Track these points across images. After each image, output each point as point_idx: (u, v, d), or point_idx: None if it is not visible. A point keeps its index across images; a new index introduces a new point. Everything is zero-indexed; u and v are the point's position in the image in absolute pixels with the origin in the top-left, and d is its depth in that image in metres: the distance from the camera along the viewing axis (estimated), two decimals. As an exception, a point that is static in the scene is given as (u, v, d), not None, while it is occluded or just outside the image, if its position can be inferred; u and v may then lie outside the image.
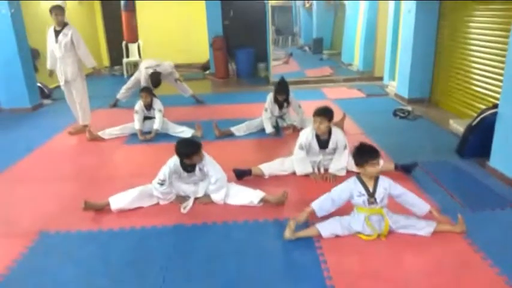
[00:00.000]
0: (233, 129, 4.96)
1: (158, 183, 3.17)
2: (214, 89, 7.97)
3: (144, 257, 2.65)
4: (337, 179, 3.59)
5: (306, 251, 2.63)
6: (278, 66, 9.81)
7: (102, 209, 3.19)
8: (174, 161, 3.17)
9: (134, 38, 7.19)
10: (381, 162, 3.22)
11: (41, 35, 6.73)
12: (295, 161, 3.72)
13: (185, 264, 2.56)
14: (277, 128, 4.99)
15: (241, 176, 3.65)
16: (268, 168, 3.73)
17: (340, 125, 4.90)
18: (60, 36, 4.84)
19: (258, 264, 2.54)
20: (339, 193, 2.74)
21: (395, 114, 5.56)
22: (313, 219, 2.82)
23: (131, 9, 6.95)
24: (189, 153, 3.10)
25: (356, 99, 6.72)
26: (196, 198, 3.30)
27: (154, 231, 2.94)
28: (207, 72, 9.30)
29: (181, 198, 3.30)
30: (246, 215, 3.10)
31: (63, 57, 4.90)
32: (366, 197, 2.66)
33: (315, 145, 3.67)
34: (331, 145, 3.66)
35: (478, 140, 3.92)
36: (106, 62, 10.78)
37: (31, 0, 7.28)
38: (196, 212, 3.17)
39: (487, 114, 3.93)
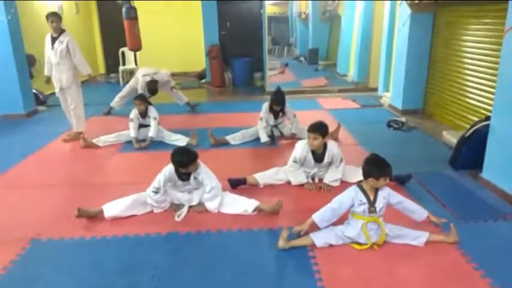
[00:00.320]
0: (228, 137, 4.97)
1: (153, 191, 3.16)
2: (210, 98, 8.00)
3: (137, 266, 2.63)
4: (331, 190, 3.60)
5: (300, 261, 2.63)
6: (274, 76, 9.88)
7: (96, 217, 3.17)
8: (169, 169, 3.16)
9: (138, 46, 7.13)
10: None
11: (38, 41, 6.74)
12: (289, 172, 3.73)
13: (178, 273, 2.55)
14: (272, 137, 5.00)
15: (236, 185, 3.65)
16: (263, 177, 3.74)
17: (334, 134, 4.93)
18: (56, 43, 4.85)
19: (251, 273, 2.53)
20: (340, 202, 2.74)
21: (389, 125, 5.61)
22: (311, 228, 2.82)
23: (133, 17, 6.91)
24: (184, 162, 3.10)
25: (351, 109, 6.77)
26: (190, 207, 3.29)
27: (147, 239, 2.92)
28: (203, 81, 9.33)
29: (176, 207, 3.29)
30: (240, 223, 3.10)
31: (59, 64, 4.90)
32: (366, 206, 2.68)
33: (310, 159, 3.67)
34: (326, 159, 3.66)
35: (470, 152, 3.96)
36: (102, 69, 10.79)
37: (28, 6, 7.31)
38: (190, 221, 3.16)
39: (480, 126, 3.97)
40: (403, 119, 5.66)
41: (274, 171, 3.81)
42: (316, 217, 2.78)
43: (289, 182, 3.75)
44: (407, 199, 2.86)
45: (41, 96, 7.02)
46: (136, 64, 9.50)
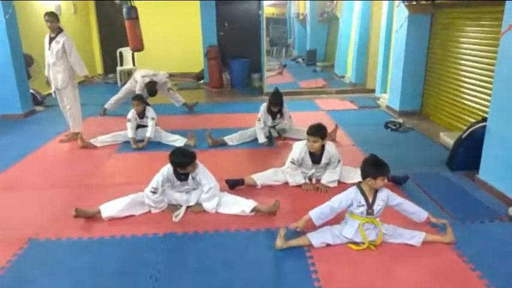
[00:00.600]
0: (226, 138, 4.97)
1: (151, 191, 3.16)
2: (208, 99, 8.00)
3: (135, 266, 2.63)
4: (328, 190, 3.61)
5: (297, 261, 2.64)
6: (272, 77, 9.89)
7: (93, 217, 3.16)
8: (168, 169, 3.17)
9: (140, 47, 7.09)
10: None
11: (35, 41, 6.75)
12: (287, 173, 3.74)
13: (176, 274, 2.55)
14: (270, 138, 5.01)
15: (234, 185, 3.66)
16: (261, 178, 3.75)
17: (332, 135, 4.95)
18: (53, 43, 4.83)
19: (249, 273, 2.54)
20: (340, 202, 2.75)
21: (386, 127, 5.63)
22: (309, 228, 2.82)
23: (135, 17, 6.88)
24: (183, 163, 3.11)
25: (348, 110, 6.79)
26: (188, 207, 3.30)
27: (145, 240, 2.92)
28: (201, 81, 9.34)
29: (173, 207, 3.30)
30: (237, 224, 3.10)
31: (55, 64, 4.88)
32: (365, 208, 2.69)
33: (308, 160, 3.69)
34: (324, 160, 3.68)
35: (467, 153, 3.98)
36: (100, 69, 10.78)
37: (26, 6, 7.30)
38: (188, 221, 3.16)
39: (476, 127, 3.99)
40: (401, 120, 5.68)
41: (272, 172, 3.82)
42: (313, 214, 2.79)
43: (287, 183, 3.76)
44: (406, 200, 2.88)
45: (38, 97, 7.01)
46: (134, 64, 9.50)
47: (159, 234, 2.99)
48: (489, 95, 4.04)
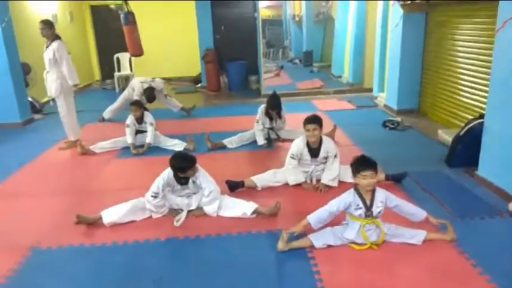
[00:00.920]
0: (225, 141, 4.98)
1: (151, 195, 3.17)
2: (206, 102, 8.01)
3: (137, 272, 2.63)
4: (329, 190, 3.63)
5: (299, 262, 2.65)
6: (269, 79, 9.90)
7: (95, 223, 3.17)
8: (168, 173, 3.18)
9: (140, 51, 7.12)
10: (379, 176, 3.29)
11: (32, 49, 6.76)
12: (288, 170, 3.76)
13: (179, 278, 2.56)
14: (269, 140, 5.02)
15: (234, 188, 3.67)
16: (261, 179, 3.76)
17: (331, 136, 4.95)
18: (47, 51, 4.82)
19: (251, 276, 2.55)
20: (338, 205, 2.73)
21: (384, 125, 5.65)
22: (307, 231, 2.83)
23: (132, 22, 6.91)
24: (183, 167, 3.12)
25: (346, 110, 6.81)
26: (189, 211, 3.30)
27: (147, 245, 2.93)
28: (199, 85, 9.35)
29: (174, 211, 3.30)
30: (239, 227, 3.11)
31: (48, 72, 4.86)
32: (363, 211, 2.68)
33: (306, 154, 3.72)
34: (322, 154, 3.71)
35: (466, 150, 4.00)
36: (97, 76, 10.79)
37: (22, 14, 7.31)
38: (189, 225, 3.17)
39: (474, 124, 4.01)
40: (399, 119, 5.70)
41: (272, 173, 3.83)
42: (312, 219, 2.77)
43: (287, 184, 3.78)
44: (405, 201, 2.85)
45: (36, 105, 7.01)
46: (131, 70, 9.51)
47: (161, 239, 2.99)
48: (486, 91, 4.06)
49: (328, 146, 3.70)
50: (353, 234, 2.74)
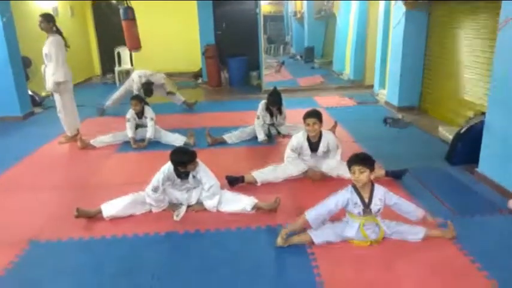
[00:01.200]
0: (225, 136, 4.98)
1: (151, 190, 3.17)
2: (206, 97, 8.00)
3: (137, 266, 2.64)
4: (328, 183, 3.62)
5: (299, 258, 2.65)
6: (270, 75, 9.89)
7: (94, 217, 3.17)
8: (168, 167, 3.17)
9: (138, 46, 7.18)
10: (379, 172, 3.29)
11: (33, 43, 6.73)
12: (289, 163, 3.77)
13: (178, 272, 2.56)
14: (269, 136, 5.02)
15: (234, 183, 3.67)
16: (261, 175, 3.76)
17: (331, 132, 4.95)
18: (44, 45, 4.77)
19: (251, 271, 2.55)
20: (335, 203, 2.71)
21: (385, 122, 5.64)
22: (307, 226, 2.83)
23: (131, 18, 6.96)
24: (184, 161, 3.12)
25: (347, 107, 6.80)
26: (189, 206, 3.30)
27: (146, 239, 2.93)
28: (200, 80, 9.34)
29: (174, 206, 3.30)
30: (238, 222, 3.11)
31: (46, 67, 4.82)
32: (361, 208, 2.67)
33: (307, 148, 3.73)
34: (321, 148, 3.72)
35: (466, 147, 3.99)
36: (98, 70, 10.76)
37: (23, 8, 7.28)
38: (189, 220, 3.17)
39: (475, 121, 4.01)
40: (399, 116, 5.69)
41: (272, 169, 3.83)
42: (310, 216, 2.73)
43: (287, 180, 3.78)
44: (403, 199, 2.79)
45: (37, 98, 7.00)
46: (132, 64, 9.49)
47: (161, 233, 3.00)
48: (487, 89, 4.05)
49: (328, 140, 3.72)
50: (353, 232, 2.73)
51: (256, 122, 4.97)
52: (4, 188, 3.91)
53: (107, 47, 10.15)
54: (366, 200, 2.67)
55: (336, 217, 2.86)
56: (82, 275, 2.56)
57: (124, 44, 7.46)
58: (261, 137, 4.92)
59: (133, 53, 9.24)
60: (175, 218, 3.17)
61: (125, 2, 7.04)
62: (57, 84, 4.79)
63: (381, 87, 7.28)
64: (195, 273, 2.55)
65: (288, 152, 3.79)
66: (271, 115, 5.00)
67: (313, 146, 3.73)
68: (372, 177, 2.69)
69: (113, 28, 9.89)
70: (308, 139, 3.72)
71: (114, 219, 3.16)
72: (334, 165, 3.74)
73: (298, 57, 13.18)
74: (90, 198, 3.57)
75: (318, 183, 3.77)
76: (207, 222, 3.13)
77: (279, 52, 14.95)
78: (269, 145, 4.91)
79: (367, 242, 2.73)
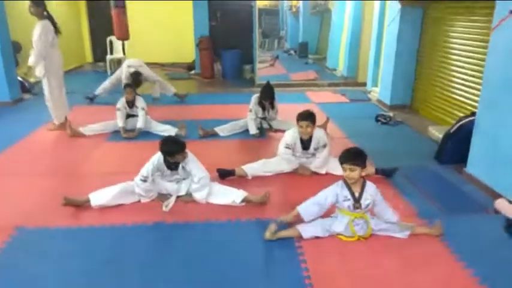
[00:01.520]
0: (217, 129, 4.96)
1: (141, 179, 3.15)
2: (199, 89, 7.96)
3: (124, 255, 2.62)
4: (319, 178, 3.64)
5: (286, 251, 2.66)
6: (264, 69, 9.86)
7: (82, 206, 3.14)
8: (158, 158, 3.15)
9: (126, 36, 7.19)
10: (369, 170, 3.31)
11: (23, 27, 6.61)
12: (283, 159, 3.78)
13: (165, 263, 2.55)
14: (261, 130, 5.01)
15: (225, 176, 3.66)
16: (252, 169, 3.75)
17: (323, 128, 4.96)
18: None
19: (238, 263, 2.55)
20: (325, 197, 2.73)
21: (377, 120, 5.67)
22: (297, 221, 2.83)
23: (121, 6, 6.94)
24: (173, 151, 3.10)
25: (339, 103, 6.82)
26: (178, 197, 3.29)
27: (134, 229, 2.91)
28: (193, 72, 9.27)
29: (163, 197, 3.29)
30: (228, 214, 3.11)
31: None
32: (351, 202, 2.69)
33: (299, 146, 3.75)
34: (313, 145, 3.74)
35: (455, 147, 4.03)
36: (89, 58, 10.63)
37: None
38: (178, 211, 3.16)
39: (465, 121, 4.05)
40: (391, 114, 5.72)
41: (262, 163, 3.83)
42: (302, 210, 2.77)
43: (277, 174, 3.78)
44: (385, 204, 2.78)
45: (26, 84, 6.89)
46: (124, 53, 9.37)
47: (149, 223, 2.98)
48: (478, 89, 4.09)
49: (318, 136, 3.74)
50: (341, 227, 2.74)
51: (249, 116, 4.96)
52: (-10, 174, 3.85)
53: (99, 35, 10.02)
54: (357, 195, 2.69)
55: (326, 213, 2.86)
56: (69, 262, 2.54)
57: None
58: (253, 130, 4.91)
59: (125, 42, 9.14)
60: (164, 208, 3.16)
61: None
62: (35, 68, 4.69)
63: (373, 85, 7.31)
64: (183, 263, 2.54)
65: (281, 149, 3.78)
66: (264, 109, 4.99)
67: (305, 144, 3.75)
68: (363, 174, 2.69)
69: (106, 16, 9.72)
70: (300, 137, 3.73)
71: (102, 208, 3.13)
72: (322, 164, 3.77)
73: (292, 52, 13.17)
74: (79, 186, 3.54)
75: (308, 178, 3.79)
76: (196, 213, 3.13)
77: (273, 46, 14.91)
78: (261, 139, 4.90)
79: (355, 237, 2.74)
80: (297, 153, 3.81)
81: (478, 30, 4.65)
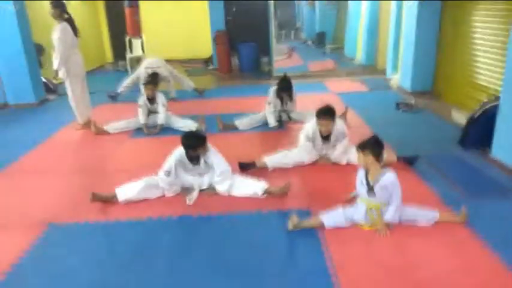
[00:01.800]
0: (237, 122, 5.00)
1: (164, 173, 3.22)
2: (217, 83, 8.00)
3: (151, 248, 2.70)
4: (338, 168, 3.65)
5: (309, 241, 2.68)
6: (281, 61, 9.83)
7: (109, 201, 3.24)
8: (180, 152, 3.22)
9: (137, 33, 7.37)
10: (390, 158, 3.36)
11: (45, 30, 6.79)
12: (304, 151, 3.79)
13: (192, 254, 2.61)
14: (280, 122, 5.02)
15: (246, 168, 3.70)
16: (272, 160, 3.78)
17: (342, 118, 4.93)
18: None
19: (262, 253, 2.59)
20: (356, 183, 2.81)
21: (398, 107, 5.59)
22: (316, 207, 2.85)
23: (134, 5, 7.12)
24: (194, 145, 3.16)
25: (359, 92, 6.74)
26: (201, 190, 3.35)
27: (160, 222, 2.99)
28: (210, 67, 9.33)
29: (187, 190, 3.35)
30: (250, 206, 3.15)
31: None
32: (366, 188, 2.71)
33: (319, 139, 3.75)
34: (333, 137, 3.73)
35: (479, 132, 3.95)
36: (110, 57, 10.82)
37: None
38: (201, 204, 3.22)
39: (489, 106, 3.95)
40: (412, 101, 5.63)
41: (283, 154, 3.85)
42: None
43: (297, 165, 3.79)
44: (397, 201, 2.68)
45: (50, 85, 7.09)
46: (143, 51, 9.50)
47: (174, 216, 3.06)
48: (502, 73, 3.97)
49: (338, 129, 3.73)
50: (361, 215, 2.76)
51: (267, 108, 4.97)
52: (22, 173, 4.01)
53: (119, 35, 10.15)
54: (371, 182, 2.69)
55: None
56: (98, 256, 2.64)
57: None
58: (272, 122, 4.92)
59: (144, 41, 9.27)
60: (188, 202, 3.22)
61: None
62: (59, 71, 4.80)
63: (393, 72, 7.19)
64: (208, 254, 2.60)
65: (302, 141, 3.80)
66: (282, 101, 5.00)
67: (325, 136, 3.75)
68: (381, 163, 2.69)
69: (124, 16, 9.88)
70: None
71: (129, 203, 3.22)
72: (341, 154, 3.77)
73: (310, 42, 13.05)
74: (105, 182, 3.65)
75: (328, 168, 3.78)
76: (219, 206, 3.18)
77: (290, 38, 14.81)
78: (280, 130, 4.92)
79: (375, 226, 2.73)
80: (318, 146, 3.81)
81: (501, 13, 4.50)
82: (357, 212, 2.78)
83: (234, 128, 4.97)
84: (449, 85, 5.75)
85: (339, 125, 3.75)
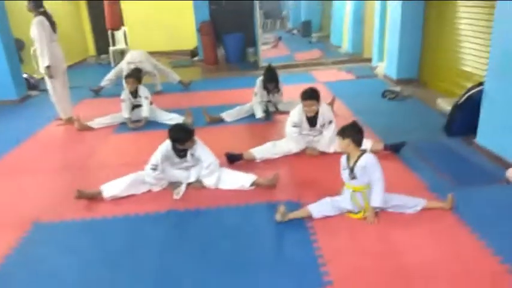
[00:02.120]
0: (223, 115, 4.96)
1: (151, 168, 3.18)
2: (203, 75, 7.92)
3: (140, 243, 2.68)
4: (326, 158, 3.65)
5: (298, 232, 2.68)
6: (267, 51, 9.77)
7: (95, 198, 3.19)
8: (167, 145, 3.18)
9: (117, 25, 7.20)
10: (377, 146, 3.37)
11: (26, 24, 6.62)
12: (291, 139, 3.78)
13: (180, 249, 2.60)
14: (267, 113, 4.99)
15: (233, 160, 3.68)
16: (260, 152, 3.76)
17: (329, 107, 4.93)
18: None
19: (251, 246, 2.59)
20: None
21: (384, 95, 5.60)
22: (306, 199, 2.85)
23: None
24: (182, 138, 3.12)
25: (346, 81, 6.74)
26: (188, 184, 3.32)
27: (148, 218, 2.96)
28: (196, 58, 9.22)
29: (174, 184, 3.32)
30: (238, 198, 3.13)
31: (34, 50, 4.72)
32: (347, 171, 2.74)
33: (305, 123, 3.75)
34: (319, 122, 3.74)
35: (464, 118, 3.97)
36: (92, 51, 10.61)
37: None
38: (189, 198, 3.20)
39: (473, 92, 3.97)
40: (398, 89, 5.64)
41: (270, 145, 3.83)
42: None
43: (285, 156, 3.79)
44: (379, 183, 2.67)
45: (31, 81, 6.93)
46: (126, 44, 9.34)
47: (161, 211, 3.02)
48: (486, 59, 4.00)
49: (324, 112, 3.74)
50: (346, 201, 2.77)
51: (254, 100, 4.94)
52: (5, 171, 3.93)
53: (101, 27, 9.96)
54: (351, 164, 2.71)
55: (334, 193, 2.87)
56: (85, 253, 2.61)
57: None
58: (259, 114, 4.89)
59: (127, 33, 9.11)
60: (175, 196, 3.19)
61: None
62: (47, 68, 4.69)
63: (379, 60, 7.20)
64: (197, 248, 2.58)
65: (289, 128, 3.79)
66: (269, 92, 4.96)
67: (312, 121, 3.74)
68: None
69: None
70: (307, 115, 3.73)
71: (115, 200, 3.18)
72: (329, 142, 3.76)
73: (295, 31, 12.98)
74: (90, 179, 3.59)
75: (316, 158, 3.78)
76: (207, 199, 3.16)
77: (276, 27, 14.71)
78: (267, 122, 4.89)
79: (362, 212, 2.74)
80: (304, 131, 3.80)
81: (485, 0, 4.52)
82: (343, 199, 2.80)
83: (221, 121, 4.92)
84: (435, 73, 5.78)
85: (324, 109, 3.76)
